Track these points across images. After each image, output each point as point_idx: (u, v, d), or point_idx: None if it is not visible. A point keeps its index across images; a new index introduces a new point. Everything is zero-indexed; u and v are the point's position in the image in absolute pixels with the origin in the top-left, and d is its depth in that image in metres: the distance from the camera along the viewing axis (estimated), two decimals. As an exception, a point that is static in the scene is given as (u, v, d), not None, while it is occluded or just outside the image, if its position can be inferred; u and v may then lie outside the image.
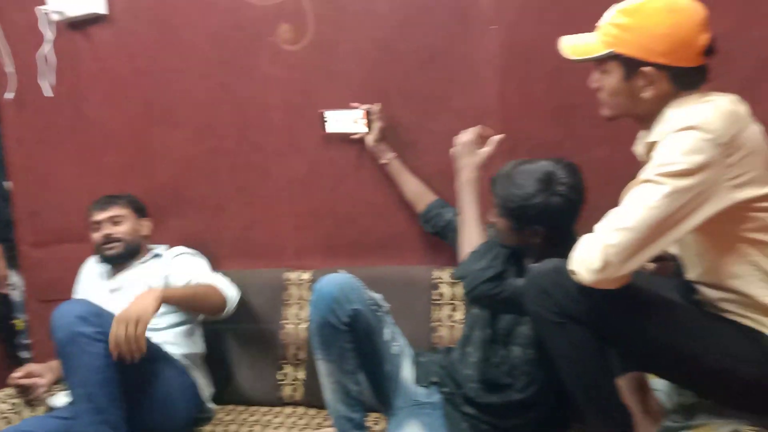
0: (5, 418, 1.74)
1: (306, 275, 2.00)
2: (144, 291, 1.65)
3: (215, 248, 2.13)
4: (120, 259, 1.96)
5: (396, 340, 1.61)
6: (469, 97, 1.86)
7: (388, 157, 1.91)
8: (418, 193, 1.88)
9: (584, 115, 1.70)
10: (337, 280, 1.49)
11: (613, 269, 1.12)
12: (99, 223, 1.94)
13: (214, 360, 1.98)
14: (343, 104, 1.94)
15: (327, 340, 1.47)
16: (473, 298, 1.47)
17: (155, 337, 1.81)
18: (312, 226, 2.06)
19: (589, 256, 1.14)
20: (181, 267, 1.91)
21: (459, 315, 1.84)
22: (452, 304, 1.85)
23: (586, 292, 1.17)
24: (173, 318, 1.89)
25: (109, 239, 1.93)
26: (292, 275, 2.01)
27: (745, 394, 1.20)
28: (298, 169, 2.05)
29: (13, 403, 1.79)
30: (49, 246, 2.37)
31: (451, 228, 1.77)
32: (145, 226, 2.02)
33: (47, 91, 2.24)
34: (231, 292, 1.86)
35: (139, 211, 2.01)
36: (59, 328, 1.52)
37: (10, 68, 2.28)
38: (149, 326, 1.80)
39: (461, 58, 1.85)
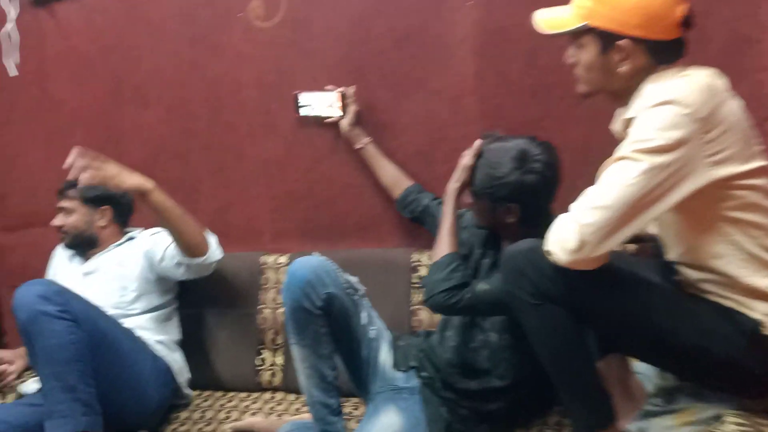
0: None
1: (283, 259, 1.96)
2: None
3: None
4: (73, 248, 1.92)
5: (373, 324, 1.58)
6: (445, 76, 1.82)
7: (363, 141, 1.86)
8: (395, 178, 1.84)
9: (561, 94, 1.69)
10: (311, 263, 1.46)
11: (589, 249, 1.10)
12: (57, 211, 1.90)
13: (192, 345, 1.94)
14: (318, 83, 1.89)
15: (301, 324, 1.44)
16: (430, 307, 1.46)
17: (128, 323, 1.78)
18: (289, 208, 2.02)
19: (565, 236, 1.12)
20: (161, 239, 1.84)
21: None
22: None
23: (562, 272, 1.15)
24: (148, 303, 1.84)
25: (59, 229, 1.89)
26: (269, 259, 1.98)
27: (724, 375, 1.19)
28: (274, 150, 2.01)
29: None
30: (18, 230, 2.32)
31: (429, 213, 1.75)
32: (102, 217, 1.91)
33: (12, 71, 2.16)
34: (214, 244, 1.79)
35: (94, 201, 1.89)
36: (21, 309, 1.48)
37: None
38: (124, 311, 1.79)
39: (437, 36, 1.81)
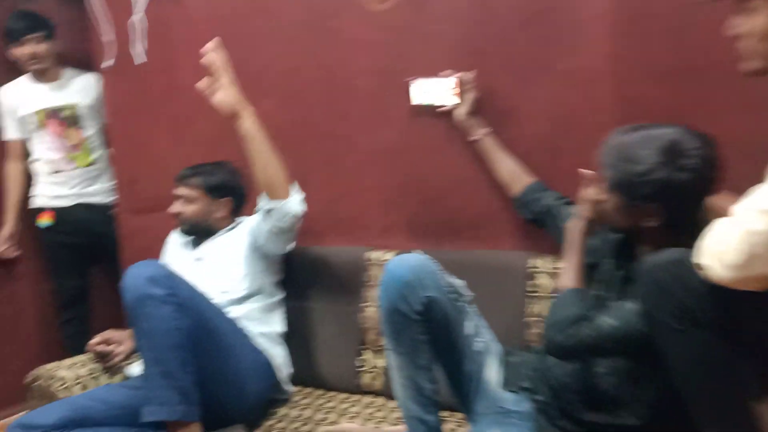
0: (80, 383, 1.74)
1: (388, 255, 1.85)
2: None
3: (303, 222, 2.02)
4: (188, 236, 1.92)
5: (480, 335, 1.41)
6: (576, 58, 1.60)
7: (480, 132, 1.70)
8: (514, 173, 1.66)
9: (714, 76, 1.42)
10: (411, 261, 1.32)
11: (760, 263, 0.87)
12: (175, 197, 1.91)
13: (295, 338, 1.89)
14: (435, 69, 1.75)
15: (397, 329, 1.31)
16: (550, 353, 1.31)
17: (234, 312, 1.75)
18: (398, 202, 1.91)
19: (727, 247, 0.90)
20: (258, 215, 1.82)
21: (558, 309, 1.61)
22: (551, 297, 1.63)
23: (717, 291, 0.94)
24: (254, 286, 1.81)
25: (176, 217, 1.90)
26: (375, 255, 1.87)
27: None
28: (386, 140, 1.90)
29: (92, 369, 1.79)
30: (145, 214, 2.40)
31: (552, 215, 1.55)
32: (221, 208, 1.90)
33: (139, 59, 2.23)
34: (296, 195, 1.72)
35: (216, 191, 1.89)
36: (128, 290, 1.48)
37: (109, 36, 2.29)
38: (230, 296, 1.77)
39: (568, 13, 1.60)
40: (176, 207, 1.89)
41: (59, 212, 2.50)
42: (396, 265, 1.32)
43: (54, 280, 2.60)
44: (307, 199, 2.02)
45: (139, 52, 2.23)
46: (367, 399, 1.78)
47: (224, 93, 1.63)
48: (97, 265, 2.65)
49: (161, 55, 2.25)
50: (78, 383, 1.73)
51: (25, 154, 2.52)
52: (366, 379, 1.81)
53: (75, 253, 2.55)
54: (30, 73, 2.46)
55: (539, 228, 1.64)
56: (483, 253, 1.76)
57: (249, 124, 1.65)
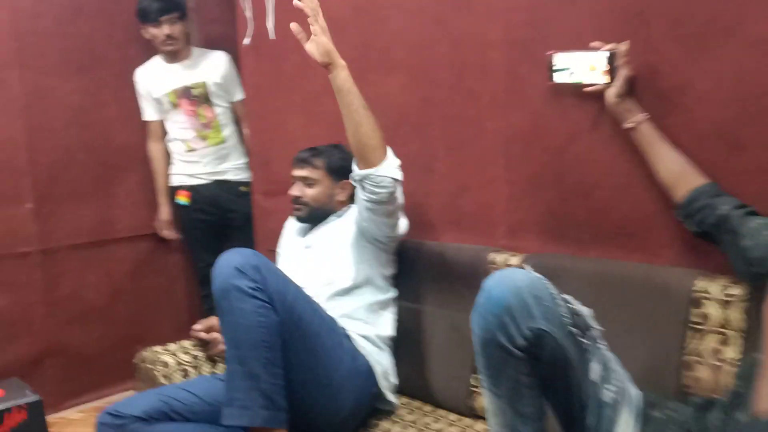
0: (183, 369, 1.70)
1: (515, 259, 1.57)
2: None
3: (421, 214, 1.83)
4: (307, 222, 1.79)
5: (610, 381, 1.10)
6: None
7: (636, 118, 1.35)
8: (678, 171, 1.30)
9: None
10: (515, 281, 1.05)
11: None
12: (294, 179, 1.78)
13: (404, 344, 1.70)
14: (582, 41, 1.42)
15: (495, 366, 1.05)
16: None
17: (337, 308, 1.61)
18: (530, 197, 1.62)
19: None
20: None
21: (732, 353, 1.23)
22: (722, 333, 1.25)
23: None
24: (359, 278, 1.64)
25: (296, 200, 1.77)
26: (499, 257, 1.60)
27: None
28: (519, 123, 1.61)
29: (195, 357, 1.75)
30: (277, 196, 2.34)
31: (729, 228, 1.20)
32: (343, 191, 1.76)
33: (272, 34, 2.15)
34: (392, 159, 1.55)
35: (338, 173, 1.75)
36: (215, 279, 1.39)
37: (249, 12, 2.24)
38: (334, 289, 1.64)
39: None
40: (296, 189, 1.78)
41: (194, 190, 2.55)
42: (496, 283, 1.06)
43: (192, 256, 2.68)
44: (428, 189, 1.83)
45: (271, 27, 2.14)
46: (479, 426, 1.54)
47: (317, 40, 1.49)
48: (228, 242, 2.67)
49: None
50: (180, 369, 1.70)
51: (164, 134, 2.58)
52: (480, 402, 1.56)
53: (209, 231, 2.59)
54: (161, 53, 2.50)
55: (710, 243, 1.27)
56: (634, 267, 1.42)
57: (343, 77, 1.50)
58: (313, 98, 2.15)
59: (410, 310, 1.72)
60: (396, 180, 1.53)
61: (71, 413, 2.52)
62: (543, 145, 1.57)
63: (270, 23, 2.15)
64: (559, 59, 1.46)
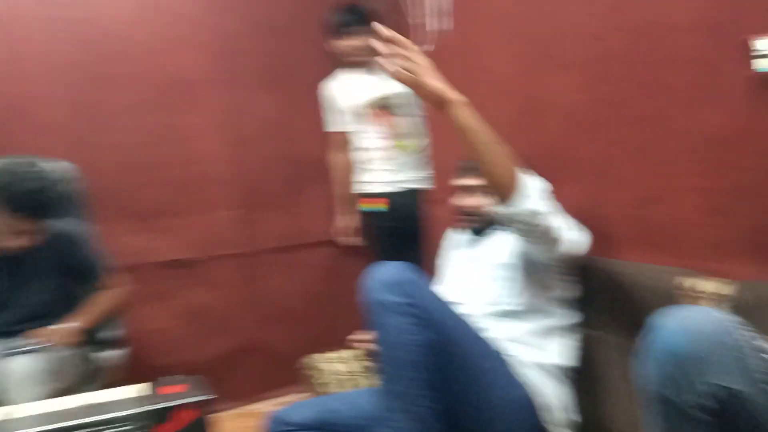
0: (339, 380, 1.70)
1: (711, 285, 1.33)
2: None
3: (602, 227, 1.64)
4: (477, 233, 1.70)
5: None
6: None
7: None
8: None
9: None
10: (696, 323, 0.86)
11: None
12: (459, 189, 1.71)
13: (581, 375, 1.54)
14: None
15: (667, 425, 0.88)
16: None
17: (502, 329, 1.50)
18: (735, 210, 1.36)
19: None
20: None
21: None
22: None
23: None
24: (526, 300, 1.51)
25: (470, 211, 1.68)
26: (693, 281, 1.36)
27: None
28: (717, 123, 1.36)
29: (351, 367, 1.73)
30: (444, 204, 2.30)
31: None
32: None
33: (431, 44, 2.11)
34: (528, 186, 1.36)
35: None
36: (366, 293, 1.36)
37: (418, 20, 2.22)
38: (499, 308, 1.54)
39: None
40: (471, 199, 1.68)
41: (389, 197, 2.53)
42: (669, 325, 0.88)
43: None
44: (609, 199, 1.64)
45: (431, 34, 2.10)
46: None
47: (429, 78, 1.33)
48: (412, 252, 2.67)
49: (464, 36, 2.08)
50: (335, 380, 1.70)
51: (348, 145, 2.62)
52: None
53: (399, 238, 2.59)
54: (348, 66, 2.54)
55: None
56: None
57: (461, 111, 1.33)
58: (486, 99, 2.03)
59: (588, 337, 1.55)
60: (534, 211, 1.36)
61: (249, 408, 2.57)
62: (748, 149, 1.31)
63: (431, 29, 2.10)
64: (762, 44, 1.20)
